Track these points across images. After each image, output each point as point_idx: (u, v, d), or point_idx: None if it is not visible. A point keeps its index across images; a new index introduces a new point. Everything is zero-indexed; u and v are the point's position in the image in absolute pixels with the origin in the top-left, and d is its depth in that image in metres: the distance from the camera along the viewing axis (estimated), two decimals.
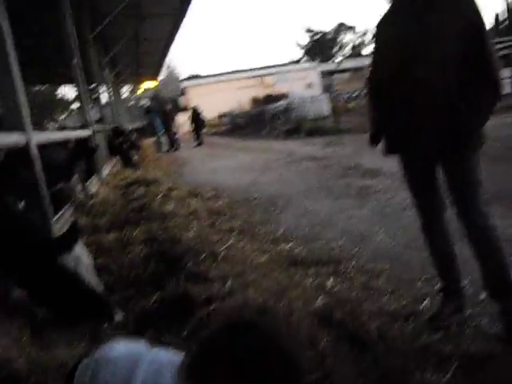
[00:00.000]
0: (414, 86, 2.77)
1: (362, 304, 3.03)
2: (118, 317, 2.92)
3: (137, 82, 33.53)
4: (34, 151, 4.54)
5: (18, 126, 4.39)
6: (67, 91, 49.04)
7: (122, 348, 1.63)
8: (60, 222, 5.01)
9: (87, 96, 9.83)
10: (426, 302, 3.27)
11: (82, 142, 7.82)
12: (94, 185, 8.50)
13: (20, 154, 4.47)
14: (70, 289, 2.88)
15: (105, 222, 5.59)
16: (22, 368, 2.34)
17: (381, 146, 3.14)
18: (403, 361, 2.42)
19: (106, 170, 11.11)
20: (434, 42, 2.69)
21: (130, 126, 24.76)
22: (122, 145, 13.82)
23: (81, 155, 7.40)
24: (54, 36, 11.11)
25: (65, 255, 2.90)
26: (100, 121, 15.59)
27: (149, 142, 24.38)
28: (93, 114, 15.88)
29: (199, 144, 24.15)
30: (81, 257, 2.99)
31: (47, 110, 33.54)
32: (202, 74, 56.13)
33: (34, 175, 4.51)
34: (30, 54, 20.19)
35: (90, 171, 8.97)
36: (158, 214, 5.69)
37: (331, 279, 3.64)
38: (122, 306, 3.16)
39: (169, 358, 1.53)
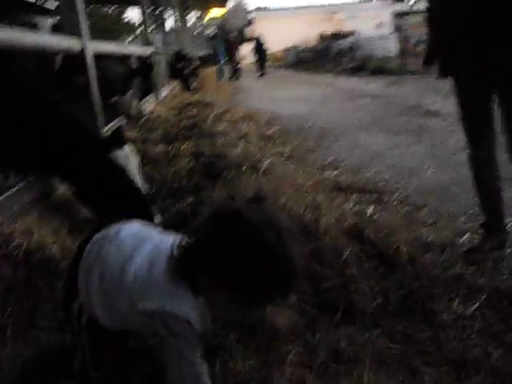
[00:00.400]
0: (478, 5, 2.59)
1: (397, 230, 2.94)
2: (157, 219, 2.98)
3: (204, 9, 33.06)
4: (89, 58, 4.59)
5: (75, 33, 4.43)
6: (134, 15, 49.11)
7: (133, 227, 1.66)
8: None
9: (149, 15, 9.76)
10: (465, 236, 3.18)
11: (140, 59, 7.84)
12: (150, 103, 8.58)
13: (75, 60, 4.54)
14: (118, 184, 2.94)
15: (155, 136, 5.67)
16: (56, 254, 2.43)
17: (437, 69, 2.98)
18: (430, 286, 2.37)
19: (164, 92, 11.18)
20: None
21: (193, 53, 24.72)
22: (182, 69, 13.86)
23: (137, 72, 7.45)
24: None
25: (115, 152, 2.97)
26: (164, 45, 15.57)
27: (211, 70, 24.30)
28: (157, 38, 15.98)
29: (261, 75, 23.92)
30: (130, 156, 3.07)
31: (113, 32, 33.59)
32: (271, 6, 54.79)
33: (88, 82, 4.58)
34: None
35: (148, 90, 9.06)
36: (208, 132, 5.72)
37: (372, 207, 3.58)
38: (161, 211, 3.22)
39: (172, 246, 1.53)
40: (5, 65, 3.20)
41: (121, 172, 2.93)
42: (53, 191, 3.31)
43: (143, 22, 9.70)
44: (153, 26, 12.06)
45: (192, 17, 41.39)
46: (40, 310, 2.22)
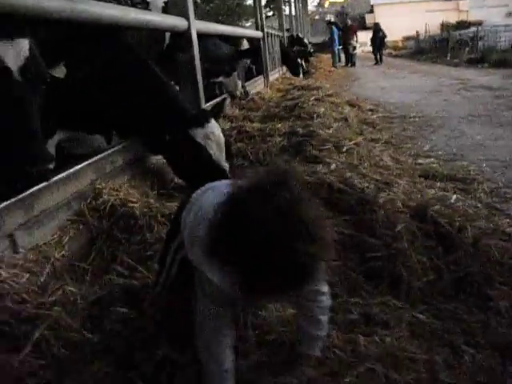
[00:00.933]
0: None
1: (473, 218, 2.88)
2: None
3: None
4: (194, 36, 4.84)
5: (181, 13, 4.69)
6: None
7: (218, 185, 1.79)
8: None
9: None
10: None
11: (250, 42, 8.04)
12: (258, 85, 8.80)
13: (181, 37, 4.81)
14: (196, 158, 3.17)
15: (256, 114, 5.85)
16: (137, 211, 2.67)
17: None
18: (490, 271, 2.34)
19: (276, 75, 11.36)
20: None
21: (310, 39, 24.75)
22: (296, 53, 13.97)
23: (245, 54, 7.66)
24: None
25: (196, 129, 3.18)
26: (280, 29, 15.73)
27: (327, 56, 24.21)
28: (275, 23, 16.20)
29: (377, 63, 23.49)
30: (212, 134, 3.25)
31: (235, 15, 34.40)
32: None
33: (192, 60, 4.85)
34: None
35: (257, 72, 9.28)
36: (308, 113, 5.79)
37: (456, 195, 3.51)
38: None
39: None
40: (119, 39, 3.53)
41: (198, 148, 3.14)
42: (146, 157, 3.56)
43: (256, 7, 9.90)
44: (269, 12, 12.24)
45: (312, 2, 41.19)
46: (117, 259, 2.45)
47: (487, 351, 1.93)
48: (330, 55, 23.40)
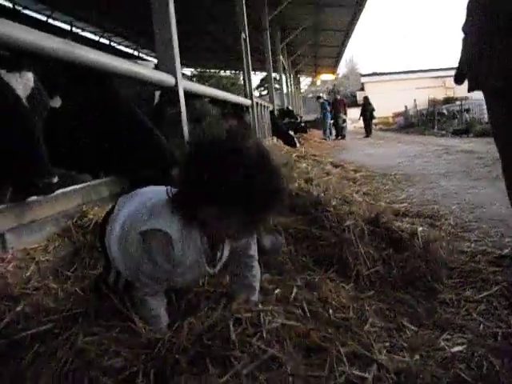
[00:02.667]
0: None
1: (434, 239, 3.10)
2: None
3: (314, 74, 34.25)
4: (181, 93, 5.22)
5: (169, 71, 5.10)
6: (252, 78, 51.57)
7: (150, 187, 2.10)
8: None
9: (249, 70, 10.53)
10: (505, 251, 3.28)
11: (234, 106, 8.46)
12: None
13: (169, 93, 5.19)
14: None
15: None
16: None
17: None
18: (438, 270, 2.56)
19: (265, 143, 11.78)
20: None
21: (303, 116, 25.57)
22: (286, 126, 14.46)
23: (232, 117, 8.03)
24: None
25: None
26: (270, 101, 16.35)
27: (319, 132, 24.90)
28: (270, 98, 16.84)
29: (367, 135, 24.16)
30: None
31: (230, 91, 35.68)
32: (383, 71, 55.38)
33: (179, 115, 5.21)
34: (211, 41, 21.78)
35: None
36: (291, 167, 6.05)
37: (422, 227, 3.74)
38: None
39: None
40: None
41: None
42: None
43: (245, 75, 10.45)
44: (263, 91, 12.75)
45: (304, 83, 42.75)
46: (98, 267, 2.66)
47: (431, 330, 2.11)
48: (321, 130, 24.08)
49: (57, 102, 3.17)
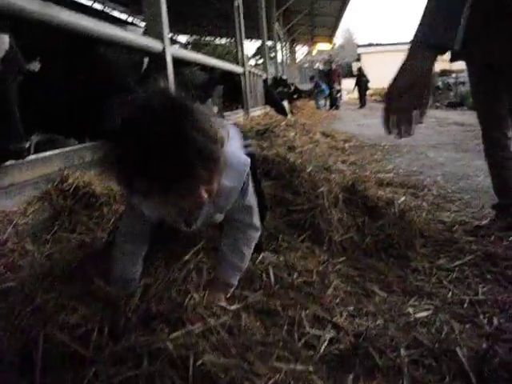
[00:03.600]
0: None
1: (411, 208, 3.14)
2: None
3: (310, 43, 33.95)
4: (169, 59, 5.18)
5: (157, 37, 5.05)
6: (247, 47, 51.22)
7: None
8: None
9: (242, 38, 10.44)
10: (484, 222, 3.31)
11: (227, 74, 8.42)
12: (238, 116, 9.14)
13: (157, 59, 5.15)
14: None
15: None
16: (98, 191, 2.93)
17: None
18: (412, 238, 2.59)
19: (257, 112, 11.72)
20: None
21: (295, 83, 25.38)
22: (279, 94, 14.38)
23: (222, 85, 7.99)
24: None
25: None
26: (264, 70, 16.25)
27: (312, 103, 24.78)
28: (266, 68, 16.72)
29: (361, 106, 24.07)
30: None
31: (225, 60, 35.46)
32: (380, 41, 54.89)
33: (167, 81, 5.16)
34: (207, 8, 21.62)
35: (237, 105, 9.64)
36: (278, 135, 6.04)
37: (404, 197, 3.77)
38: None
39: None
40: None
41: None
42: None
43: (237, 42, 10.37)
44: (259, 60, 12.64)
45: (300, 50, 42.42)
46: (77, 230, 2.69)
47: (399, 297, 2.15)
48: (315, 101, 23.94)
49: (35, 66, 3.14)
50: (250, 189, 1.80)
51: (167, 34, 5.27)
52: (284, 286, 1.80)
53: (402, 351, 1.55)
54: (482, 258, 2.61)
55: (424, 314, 1.90)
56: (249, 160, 1.71)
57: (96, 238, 2.39)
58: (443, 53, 3.12)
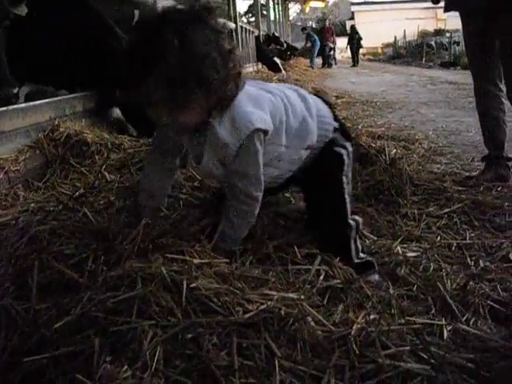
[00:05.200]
0: None
1: (402, 158, 3.16)
2: None
3: (303, 1, 33.43)
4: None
5: None
6: (239, 4, 50.41)
7: None
8: None
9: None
10: (474, 173, 3.35)
11: None
12: None
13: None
14: None
15: None
16: (89, 139, 2.93)
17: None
18: (403, 186, 2.62)
19: (249, 69, 11.62)
20: None
21: (288, 41, 25.14)
22: (271, 51, 14.26)
23: None
24: None
25: None
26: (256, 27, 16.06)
27: (305, 61, 24.58)
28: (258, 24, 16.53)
29: (354, 65, 23.92)
30: None
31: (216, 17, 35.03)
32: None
33: None
34: None
35: None
36: None
37: (396, 149, 3.78)
38: None
39: None
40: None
41: None
42: (107, 109, 3.80)
43: (229, 3, 10.24)
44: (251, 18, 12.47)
45: (293, 7, 41.83)
46: (69, 177, 2.70)
47: (389, 240, 2.18)
48: (308, 59, 23.74)
49: (22, 10, 3.09)
50: (252, 156, 1.56)
51: None
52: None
53: (391, 287, 1.60)
54: (470, 207, 2.64)
55: (412, 254, 1.94)
56: (256, 126, 1.50)
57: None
58: None
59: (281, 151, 1.66)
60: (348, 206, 1.81)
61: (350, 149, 1.81)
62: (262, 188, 1.60)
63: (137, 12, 5.50)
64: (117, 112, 3.80)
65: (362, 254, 1.82)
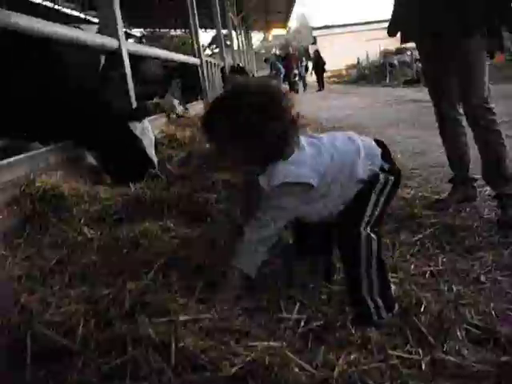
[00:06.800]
0: None
1: None
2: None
3: (266, 29, 33.93)
4: (125, 55, 5.19)
5: (112, 34, 5.05)
6: (203, 37, 51.02)
7: None
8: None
9: (197, 29, 10.43)
10: (443, 195, 3.45)
11: (181, 66, 8.42)
12: (198, 108, 9.16)
13: (113, 56, 5.15)
14: (131, 150, 3.51)
15: (191, 129, 6.17)
16: (65, 193, 2.96)
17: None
18: None
19: None
20: None
21: (256, 73, 25.48)
22: None
23: (180, 77, 8.01)
24: None
25: (135, 123, 3.54)
26: (221, 59, 16.27)
27: None
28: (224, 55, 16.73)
29: (319, 89, 24.25)
30: (146, 130, 3.60)
31: (181, 52, 35.54)
32: (335, 23, 55.19)
33: (124, 78, 5.19)
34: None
35: (196, 94, 9.65)
36: None
37: None
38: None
39: None
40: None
41: (135, 140, 3.49)
42: (79, 158, 3.84)
43: (192, 35, 10.35)
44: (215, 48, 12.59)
45: (256, 36, 42.45)
46: (47, 233, 2.72)
47: None
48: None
49: None
50: (268, 202, 1.83)
51: (122, 31, 5.29)
52: None
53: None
54: (441, 231, 2.75)
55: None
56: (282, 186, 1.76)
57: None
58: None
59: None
60: (366, 216, 1.87)
61: (391, 177, 1.94)
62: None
63: (103, 57, 5.58)
64: (91, 161, 3.85)
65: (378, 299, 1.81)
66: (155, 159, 3.73)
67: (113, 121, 3.55)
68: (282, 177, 1.73)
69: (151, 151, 3.70)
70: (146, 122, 3.77)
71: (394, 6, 3.28)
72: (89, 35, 4.60)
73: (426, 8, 2.99)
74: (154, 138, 3.81)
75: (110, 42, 4.92)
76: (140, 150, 3.58)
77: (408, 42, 3.31)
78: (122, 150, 3.54)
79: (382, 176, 1.89)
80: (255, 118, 1.62)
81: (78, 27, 6.35)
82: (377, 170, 1.91)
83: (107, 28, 5.14)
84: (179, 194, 2.61)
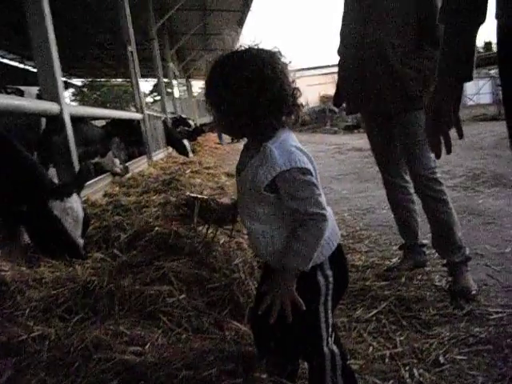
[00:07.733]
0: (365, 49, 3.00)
1: None
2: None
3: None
4: (67, 119, 5.08)
5: (53, 98, 4.95)
6: (144, 85, 51.17)
7: None
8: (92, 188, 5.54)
9: (138, 84, 10.40)
10: (393, 260, 3.49)
11: (122, 123, 8.34)
12: (141, 164, 9.05)
13: (55, 121, 5.04)
14: (50, 229, 3.38)
15: (135, 190, 6.06)
16: (8, 277, 2.81)
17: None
18: None
19: (160, 155, 11.65)
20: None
21: (198, 120, 25.56)
22: (180, 133, 14.39)
23: (121, 134, 7.90)
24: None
25: (55, 202, 3.39)
26: (163, 111, 16.28)
27: (214, 136, 24.95)
28: (164, 106, 16.73)
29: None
30: (70, 209, 3.44)
31: (123, 101, 35.67)
32: None
33: (66, 142, 5.07)
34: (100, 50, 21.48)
35: (138, 152, 9.54)
36: (184, 185, 6.08)
37: None
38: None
39: None
40: None
41: (53, 220, 3.36)
42: (17, 235, 3.68)
43: (135, 90, 10.29)
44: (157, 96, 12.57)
45: (198, 83, 42.79)
46: None
47: None
48: (216, 134, 24.07)
49: None
50: (294, 187, 1.57)
51: (63, 95, 5.19)
52: None
53: None
54: (395, 304, 2.75)
55: None
56: (290, 164, 1.56)
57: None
58: None
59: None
60: (324, 333, 1.70)
61: (331, 279, 1.69)
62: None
63: (43, 120, 5.46)
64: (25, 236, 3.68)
65: None
66: (81, 241, 3.54)
67: (31, 197, 3.41)
68: (288, 162, 1.55)
69: (76, 232, 3.51)
70: (73, 199, 3.57)
71: (338, 78, 3.33)
72: (31, 103, 4.49)
73: (365, 87, 3.04)
74: (81, 216, 3.60)
75: (52, 107, 4.80)
76: (58, 231, 3.42)
77: (353, 113, 3.36)
78: (40, 228, 3.41)
79: (322, 283, 1.67)
80: (256, 74, 1.53)
81: (18, 89, 6.24)
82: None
83: (48, 93, 5.02)
84: (129, 288, 2.47)
